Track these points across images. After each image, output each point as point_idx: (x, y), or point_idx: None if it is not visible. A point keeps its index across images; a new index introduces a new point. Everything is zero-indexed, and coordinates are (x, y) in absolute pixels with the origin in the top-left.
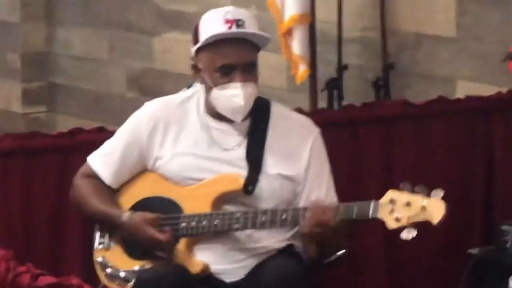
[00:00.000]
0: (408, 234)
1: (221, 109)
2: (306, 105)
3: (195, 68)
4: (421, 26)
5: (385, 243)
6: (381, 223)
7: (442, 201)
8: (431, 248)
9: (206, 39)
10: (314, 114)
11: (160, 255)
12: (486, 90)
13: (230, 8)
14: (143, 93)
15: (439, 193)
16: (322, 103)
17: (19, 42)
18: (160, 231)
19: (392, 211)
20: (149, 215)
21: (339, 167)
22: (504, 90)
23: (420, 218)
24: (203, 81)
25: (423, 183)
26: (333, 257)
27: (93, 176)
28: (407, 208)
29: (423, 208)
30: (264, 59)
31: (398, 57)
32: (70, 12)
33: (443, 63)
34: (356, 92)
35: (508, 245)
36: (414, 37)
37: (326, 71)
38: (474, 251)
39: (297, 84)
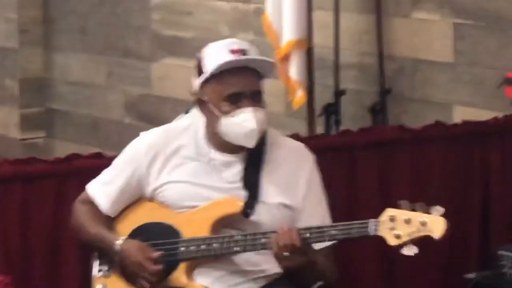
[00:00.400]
0: (410, 251)
1: (233, 136)
2: (303, 131)
3: (199, 102)
4: (418, 52)
5: (379, 268)
6: (377, 246)
7: (442, 217)
8: (427, 272)
9: (215, 68)
10: (312, 140)
11: (144, 284)
12: (483, 115)
13: (233, 39)
14: (141, 118)
15: (439, 209)
16: (319, 129)
17: (17, 68)
18: (151, 261)
19: (392, 228)
20: (141, 243)
21: (336, 192)
22: (500, 115)
23: (421, 234)
24: (209, 113)
25: None
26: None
27: (92, 203)
28: (407, 225)
29: (424, 223)
30: None
31: (395, 82)
32: (68, 38)
33: (440, 88)
34: (353, 117)
35: (505, 270)
36: (411, 62)
37: (323, 97)
38: (470, 276)
39: (295, 109)
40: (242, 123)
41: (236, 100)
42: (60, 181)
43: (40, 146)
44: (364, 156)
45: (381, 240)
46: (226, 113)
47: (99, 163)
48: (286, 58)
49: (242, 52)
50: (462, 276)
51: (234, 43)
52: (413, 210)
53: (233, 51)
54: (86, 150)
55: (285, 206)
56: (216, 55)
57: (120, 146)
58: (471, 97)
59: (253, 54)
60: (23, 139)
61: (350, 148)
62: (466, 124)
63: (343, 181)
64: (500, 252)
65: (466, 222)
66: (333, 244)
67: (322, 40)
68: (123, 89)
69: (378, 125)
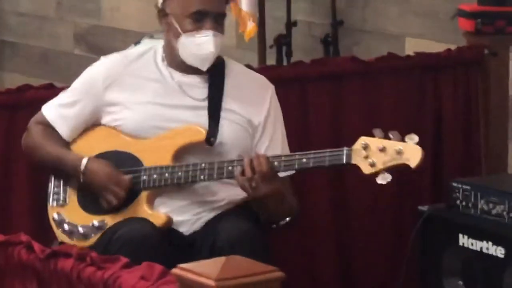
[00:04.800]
0: (384, 179)
1: (189, 56)
2: (255, 62)
3: (162, 13)
4: None
5: (333, 199)
6: (329, 175)
7: (417, 145)
8: (380, 205)
9: None
10: (263, 71)
11: (112, 198)
12: (435, 47)
13: None
14: (91, 50)
15: (413, 137)
16: (271, 60)
17: None
18: (119, 172)
19: (366, 156)
20: (108, 162)
21: (288, 123)
22: (452, 47)
23: (397, 162)
24: (169, 28)
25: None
26: (281, 223)
27: (48, 126)
28: (382, 153)
29: (400, 152)
30: None
31: (347, 14)
32: None
33: (392, 20)
34: (305, 49)
35: (457, 202)
36: None
37: (275, 28)
38: (423, 208)
39: (246, 41)
40: (201, 45)
41: (200, 19)
42: (11, 113)
43: None
44: (316, 88)
45: (331, 170)
46: (187, 31)
47: (51, 94)
48: None
49: None
50: (415, 208)
51: None
52: (387, 138)
53: None
54: (36, 82)
55: (248, 122)
56: None
57: (69, 78)
58: (424, 29)
59: None
60: None
61: (302, 79)
62: (418, 56)
63: (295, 112)
64: (453, 184)
65: None
66: (292, 175)
67: None
68: (73, 20)
69: (330, 57)
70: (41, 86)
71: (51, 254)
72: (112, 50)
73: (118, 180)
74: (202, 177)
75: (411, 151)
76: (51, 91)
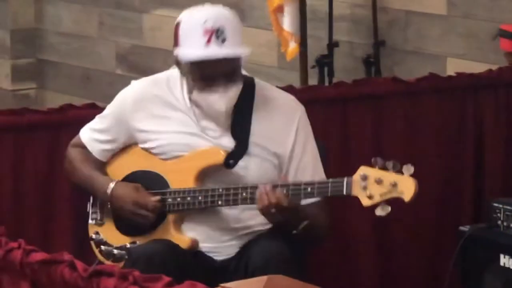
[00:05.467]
0: (382, 211)
1: (203, 109)
2: (296, 82)
3: (177, 63)
4: (411, 3)
5: (373, 221)
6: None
7: (412, 178)
8: (421, 225)
9: (185, 60)
10: (305, 91)
11: (142, 220)
12: (476, 67)
13: (209, 13)
14: (132, 70)
15: (410, 168)
16: (312, 80)
17: (8, 18)
18: (146, 195)
19: (364, 187)
20: (135, 184)
21: (329, 144)
22: (493, 67)
23: (392, 195)
24: (184, 75)
25: (413, 160)
26: (299, 228)
27: (85, 147)
28: (379, 185)
29: (394, 184)
30: (255, 36)
31: (388, 34)
32: None
33: (434, 40)
34: (346, 69)
35: (498, 222)
36: (404, 14)
37: (316, 48)
38: (464, 228)
39: (288, 61)
40: (211, 104)
41: (209, 81)
42: (53, 132)
43: (31, 98)
44: (357, 108)
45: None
46: (198, 89)
47: (92, 113)
48: (279, 9)
49: (216, 34)
50: (456, 229)
51: (209, 19)
52: (385, 168)
53: (206, 32)
54: (77, 101)
55: (274, 154)
56: (189, 34)
57: (111, 98)
58: (465, 49)
59: (229, 33)
60: (14, 90)
61: (343, 100)
62: (459, 76)
63: (336, 133)
64: (493, 205)
65: (459, 175)
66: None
67: None
68: (114, 40)
69: (371, 77)
70: (83, 106)
71: (94, 273)
72: (153, 70)
73: (145, 203)
74: (219, 202)
75: (405, 184)
76: (93, 111)
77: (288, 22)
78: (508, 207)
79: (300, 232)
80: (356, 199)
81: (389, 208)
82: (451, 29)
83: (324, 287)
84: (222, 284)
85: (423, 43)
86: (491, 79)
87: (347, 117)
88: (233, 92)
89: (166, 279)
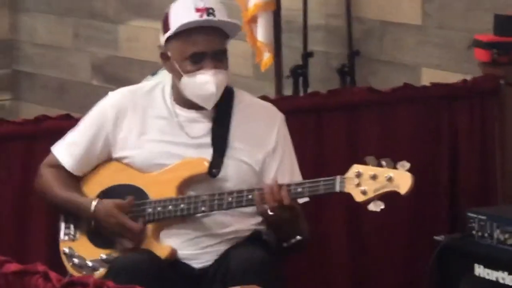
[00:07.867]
0: (375, 207)
1: (192, 96)
2: (271, 93)
3: (164, 56)
4: (386, 14)
5: (348, 228)
6: (346, 206)
7: (408, 172)
8: (396, 235)
9: (178, 27)
10: (280, 101)
11: (128, 243)
12: (451, 77)
13: None
14: (108, 80)
15: (405, 164)
16: (287, 91)
17: None
18: (133, 219)
19: (358, 184)
20: (120, 201)
21: (304, 154)
22: (468, 77)
23: (387, 189)
24: (172, 70)
25: None
26: (292, 241)
27: (58, 166)
28: (373, 181)
29: (390, 179)
30: (230, 46)
31: (363, 44)
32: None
33: (408, 50)
34: (321, 79)
35: (473, 232)
36: (379, 24)
37: (291, 58)
38: (439, 238)
39: (262, 71)
40: (202, 85)
41: (198, 60)
42: (28, 143)
43: (6, 108)
44: (332, 118)
45: (349, 198)
46: (187, 72)
47: (67, 124)
48: (253, 20)
49: (207, 11)
50: (431, 238)
51: (200, 0)
52: (380, 165)
53: (198, 9)
54: (53, 112)
55: (255, 160)
56: (181, 12)
57: (87, 109)
58: (440, 59)
59: (219, 13)
60: None
61: (318, 110)
62: (434, 86)
63: (311, 143)
64: (468, 214)
65: (434, 185)
66: (303, 202)
67: (290, 1)
68: (90, 51)
69: (346, 87)
70: (58, 117)
71: (68, 284)
72: (129, 80)
73: (130, 228)
74: (203, 208)
75: (401, 178)
76: (68, 122)
77: (262, 32)
78: (483, 217)
79: (291, 245)
80: (330, 204)
81: (383, 204)
82: (426, 39)
83: None
84: None
85: (398, 53)
86: (466, 89)
87: (322, 127)
88: (222, 75)
89: None
